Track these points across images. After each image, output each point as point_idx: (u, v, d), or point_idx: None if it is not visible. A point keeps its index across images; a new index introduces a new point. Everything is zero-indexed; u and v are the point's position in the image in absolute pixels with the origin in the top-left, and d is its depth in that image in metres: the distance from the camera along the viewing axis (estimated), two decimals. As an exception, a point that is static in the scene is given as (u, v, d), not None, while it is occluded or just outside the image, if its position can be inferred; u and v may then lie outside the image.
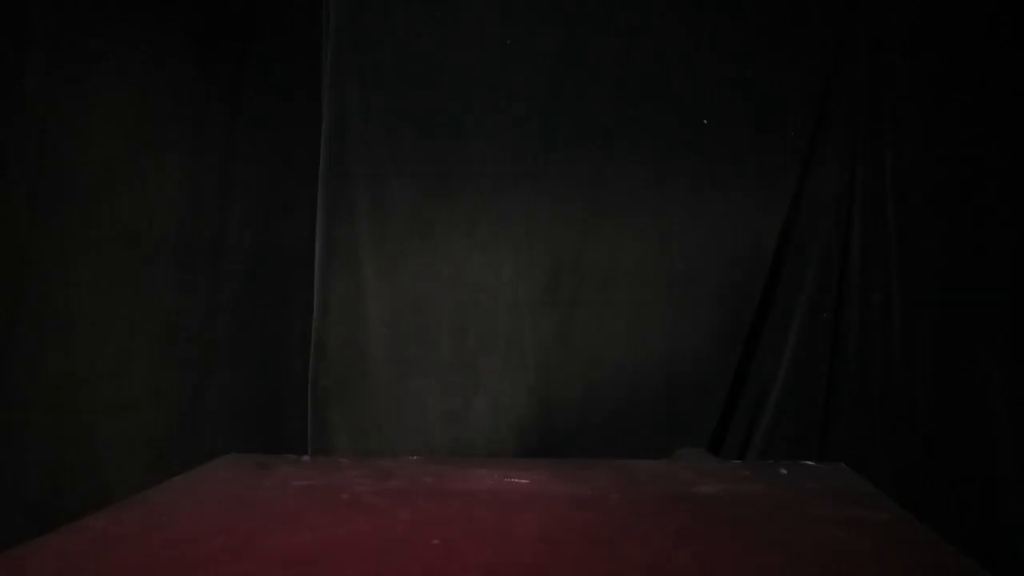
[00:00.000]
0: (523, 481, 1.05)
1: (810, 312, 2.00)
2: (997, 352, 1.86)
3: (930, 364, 1.92)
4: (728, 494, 1.00)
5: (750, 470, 1.15)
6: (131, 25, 2.01)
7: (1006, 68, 1.90)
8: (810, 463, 1.18)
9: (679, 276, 2.02)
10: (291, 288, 2.14)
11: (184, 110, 2.08)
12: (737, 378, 2.01)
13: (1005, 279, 1.87)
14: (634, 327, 2.03)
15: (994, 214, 1.92)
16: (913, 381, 1.93)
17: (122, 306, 1.99)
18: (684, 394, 1.98)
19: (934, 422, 1.91)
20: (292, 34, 2.17)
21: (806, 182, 2.03)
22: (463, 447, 2.01)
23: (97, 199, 1.97)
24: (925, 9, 1.98)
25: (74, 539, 0.82)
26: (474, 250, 2.07)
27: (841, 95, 2.03)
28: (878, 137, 2.01)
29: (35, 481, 1.87)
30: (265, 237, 2.14)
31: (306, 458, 1.26)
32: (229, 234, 2.12)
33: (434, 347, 2.07)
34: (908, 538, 0.84)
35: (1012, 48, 1.89)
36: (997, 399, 1.84)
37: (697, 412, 1.98)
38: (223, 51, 2.12)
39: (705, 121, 2.03)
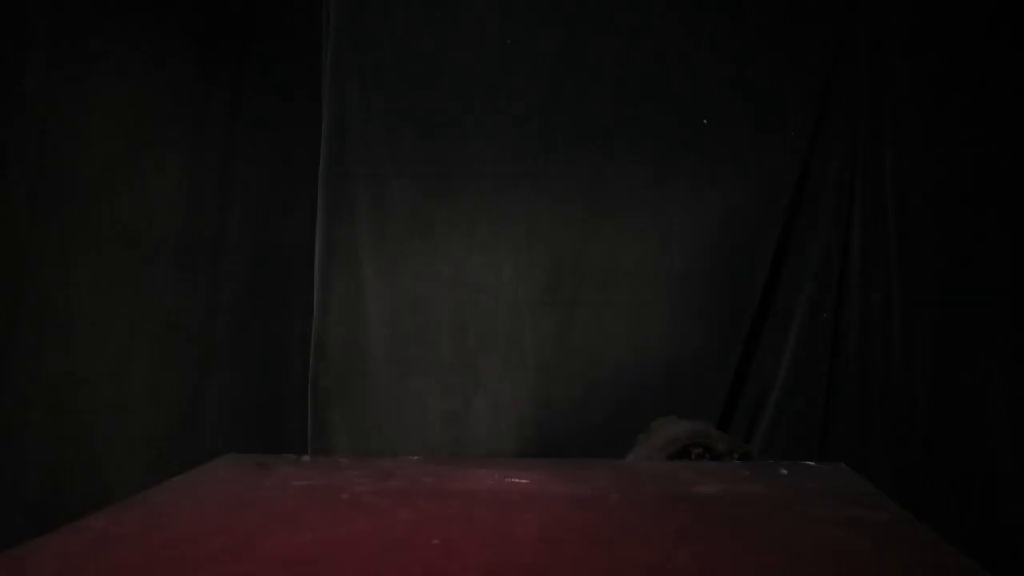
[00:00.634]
0: (523, 481, 1.05)
1: (810, 312, 2.00)
2: (997, 352, 1.86)
3: (930, 364, 1.92)
4: (728, 494, 1.00)
5: (750, 470, 1.15)
6: (131, 25, 2.01)
7: (1006, 68, 1.90)
8: (810, 463, 1.18)
9: (679, 276, 2.02)
10: (291, 288, 2.14)
11: (184, 110, 2.08)
12: (737, 378, 2.01)
13: (1005, 279, 1.87)
14: (634, 327, 2.03)
15: (994, 214, 1.92)
16: (913, 381, 1.93)
17: (122, 306, 1.99)
18: (684, 394, 1.98)
19: (934, 422, 1.91)
20: (292, 34, 2.17)
21: (806, 182, 2.03)
22: (463, 447, 2.01)
23: (97, 199, 1.97)
24: (925, 9, 1.98)
25: (74, 539, 0.82)
26: (474, 250, 2.08)
27: (841, 95, 2.03)
28: (878, 137, 2.01)
29: (35, 481, 1.87)
30: (265, 237, 2.14)
31: (306, 458, 1.26)
32: (229, 234, 2.12)
33: (434, 347, 2.07)
34: (908, 538, 0.84)
35: (1012, 48, 1.89)
36: (997, 399, 1.84)
37: (697, 412, 1.98)
38: (223, 51, 2.12)
39: (705, 121, 2.03)
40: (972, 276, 1.91)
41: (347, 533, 0.84)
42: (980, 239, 1.92)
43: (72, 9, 1.93)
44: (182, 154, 2.07)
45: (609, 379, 2.02)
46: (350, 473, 1.11)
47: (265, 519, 0.90)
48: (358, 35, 2.10)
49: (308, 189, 2.12)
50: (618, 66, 2.06)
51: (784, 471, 1.16)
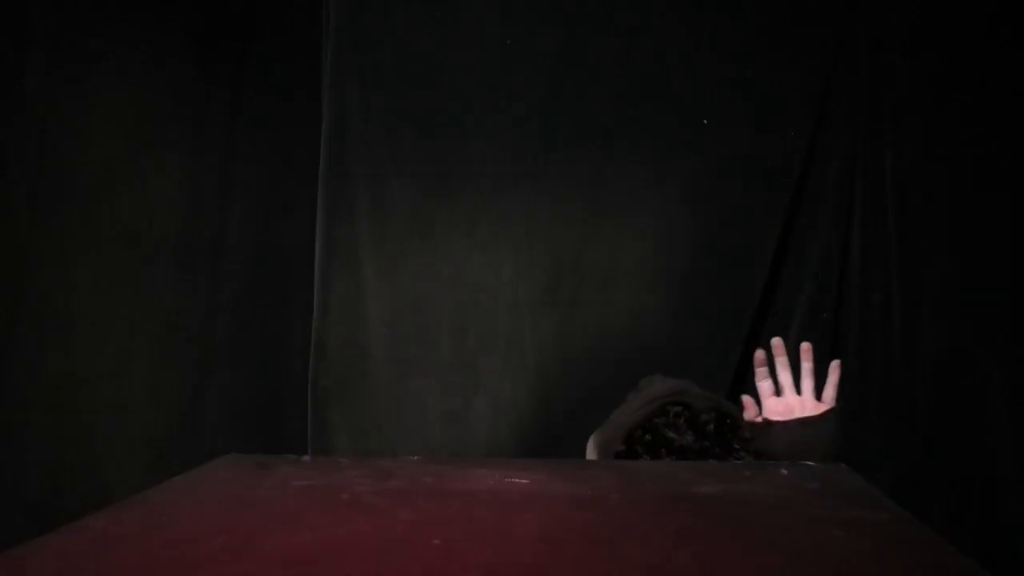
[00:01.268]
0: (523, 481, 1.05)
1: (810, 312, 2.00)
2: (997, 352, 1.86)
3: (930, 364, 1.92)
4: (728, 494, 1.00)
5: (750, 470, 1.15)
6: (131, 25, 2.02)
7: (1006, 68, 1.90)
8: (810, 463, 1.18)
9: (679, 276, 2.01)
10: (291, 288, 2.14)
11: (184, 110, 2.08)
12: (737, 378, 2.01)
13: (1005, 279, 1.87)
14: (634, 327, 2.03)
15: (994, 214, 1.92)
16: (913, 381, 1.93)
17: (122, 306, 1.99)
18: (684, 394, 1.98)
19: (934, 422, 1.91)
20: (292, 34, 2.17)
21: (806, 182, 2.03)
22: (463, 447, 2.01)
23: (97, 199, 1.97)
24: (925, 9, 1.98)
25: (74, 539, 0.82)
26: (474, 250, 2.07)
27: (841, 95, 2.03)
28: (878, 137, 2.01)
29: (35, 481, 1.87)
30: (265, 237, 2.14)
31: (306, 458, 1.26)
32: (229, 234, 2.12)
33: (434, 347, 2.06)
34: (908, 538, 0.84)
35: (1012, 48, 1.89)
36: (997, 399, 1.84)
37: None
38: (223, 51, 2.12)
39: (705, 121, 2.03)
40: (972, 276, 1.91)
41: (347, 533, 0.84)
42: (980, 239, 1.92)
43: (72, 9, 1.93)
44: (182, 154, 2.07)
45: (609, 379, 2.02)
46: (350, 473, 1.11)
47: (265, 519, 0.90)
48: (358, 35, 2.10)
49: (308, 189, 2.12)
50: (618, 66, 2.05)
51: (784, 471, 1.15)
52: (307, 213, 2.12)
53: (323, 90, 2.10)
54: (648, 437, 1.38)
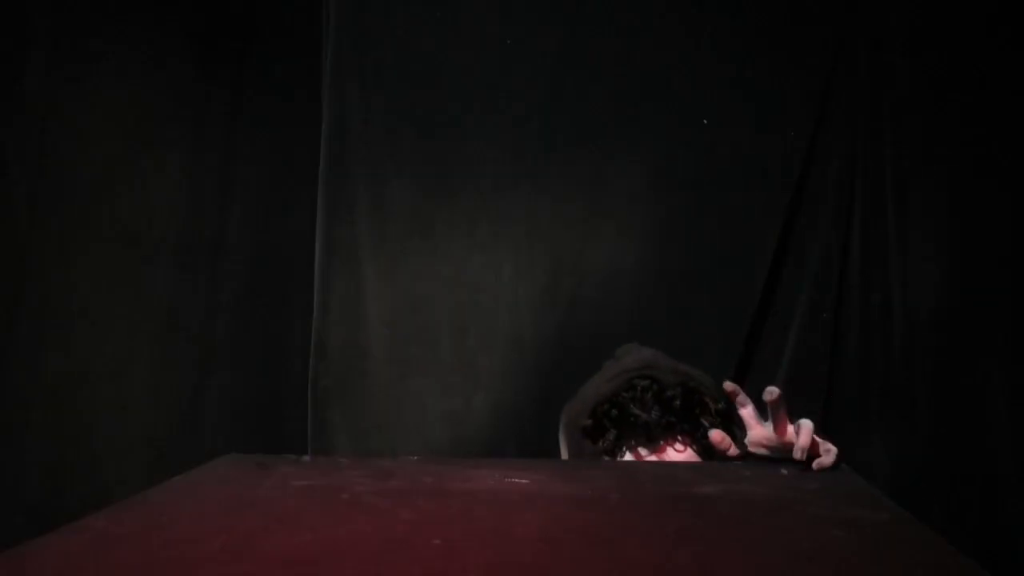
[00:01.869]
0: (523, 481, 1.05)
1: (810, 312, 2.00)
2: (997, 352, 1.87)
3: (930, 364, 1.92)
4: (728, 494, 1.00)
5: (750, 470, 1.15)
6: (131, 25, 2.01)
7: (1006, 68, 1.90)
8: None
9: (679, 276, 2.01)
10: (291, 288, 2.14)
11: (184, 110, 2.08)
12: (737, 378, 2.01)
13: (1005, 279, 1.87)
14: (634, 327, 2.03)
15: (994, 214, 1.92)
16: (913, 381, 1.93)
17: (122, 306, 1.99)
18: (684, 394, 1.97)
19: (934, 422, 1.91)
20: (292, 34, 2.17)
21: (806, 182, 2.03)
22: (463, 447, 2.01)
23: (97, 199, 1.97)
24: (925, 9, 1.98)
25: (74, 539, 0.82)
26: (474, 250, 2.07)
27: (841, 95, 2.03)
28: (878, 137, 2.01)
29: (35, 481, 1.87)
30: (265, 237, 2.14)
31: (306, 458, 1.26)
32: (229, 234, 2.12)
33: (434, 347, 2.06)
34: (908, 538, 0.84)
35: (1012, 48, 1.89)
36: (997, 399, 1.84)
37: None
38: (223, 51, 2.12)
39: (705, 121, 2.03)
40: (972, 276, 1.91)
41: (347, 533, 0.84)
42: (980, 239, 1.92)
43: (72, 9, 1.93)
44: (182, 154, 2.07)
45: (609, 379, 2.01)
46: (350, 473, 1.11)
47: (265, 519, 0.90)
48: (358, 35, 2.10)
49: (308, 189, 2.12)
50: (618, 66, 2.05)
51: (784, 471, 1.16)
52: (307, 213, 2.12)
53: (323, 90, 2.10)
54: (614, 412, 1.36)
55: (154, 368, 2.02)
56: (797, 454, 1.11)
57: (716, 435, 1.18)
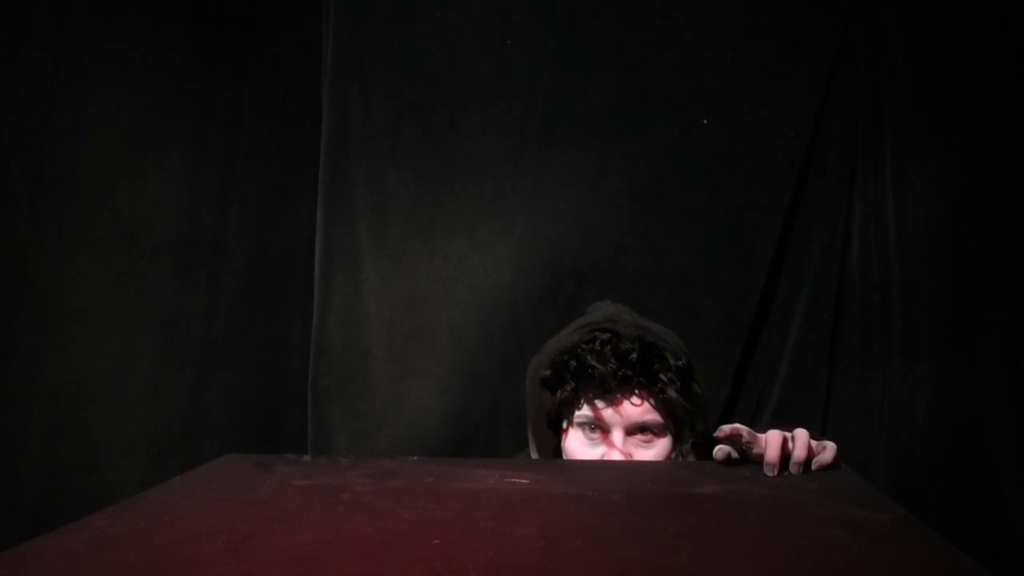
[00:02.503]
0: (523, 481, 1.05)
1: (810, 312, 2.00)
2: (997, 352, 1.86)
3: (930, 364, 1.92)
4: (728, 494, 1.00)
5: (750, 470, 1.15)
6: (131, 25, 2.02)
7: (1006, 68, 1.90)
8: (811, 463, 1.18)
9: (679, 276, 2.01)
10: (291, 288, 2.14)
11: (184, 110, 2.08)
12: (737, 378, 2.01)
13: (1005, 279, 1.87)
14: (634, 327, 2.02)
15: (994, 214, 1.92)
16: (913, 381, 1.93)
17: (122, 306, 1.99)
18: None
19: (934, 422, 1.91)
20: (292, 34, 2.17)
21: (806, 182, 2.03)
22: (463, 447, 2.01)
23: (97, 199, 1.97)
24: (925, 10, 1.98)
25: (74, 539, 0.82)
26: (474, 250, 2.07)
27: (841, 95, 2.03)
28: (878, 137, 2.01)
29: (35, 481, 1.87)
30: (265, 237, 2.15)
31: (306, 458, 1.26)
32: (229, 234, 2.12)
33: (434, 347, 2.06)
34: (908, 538, 0.84)
35: (1012, 49, 1.89)
36: (997, 399, 1.84)
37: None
38: (223, 51, 2.13)
39: (705, 121, 2.03)
40: (972, 275, 1.91)
41: (347, 533, 0.84)
42: (980, 239, 1.92)
43: (72, 9, 1.93)
44: (182, 154, 2.08)
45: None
46: (350, 473, 1.11)
47: (265, 519, 0.90)
48: (358, 35, 2.10)
49: (308, 189, 2.12)
50: (618, 66, 2.05)
51: (784, 471, 1.15)
52: (307, 213, 2.12)
53: (323, 90, 2.10)
54: (573, 364, 1.36)
55: (154, 368, 2.02)
56: (794, 469, 1.10)
57: (720, 454, 1.17)
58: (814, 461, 1.13)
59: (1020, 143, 1.88)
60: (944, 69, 1.95)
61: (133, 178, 2.01)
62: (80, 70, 1.94)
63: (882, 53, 2.01)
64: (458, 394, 2.05)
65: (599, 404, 1.35)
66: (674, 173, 2.04)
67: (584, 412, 1.36)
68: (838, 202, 2.01)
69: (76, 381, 1.92)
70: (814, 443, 1.14)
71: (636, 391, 1.34)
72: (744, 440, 1.14)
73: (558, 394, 1.39)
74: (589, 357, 1.35)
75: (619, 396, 1.34)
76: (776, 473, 1.09)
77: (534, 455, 1.50)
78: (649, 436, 1.35)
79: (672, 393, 1.34)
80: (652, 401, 1.34)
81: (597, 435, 1.36)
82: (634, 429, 1.35)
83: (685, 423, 1.37)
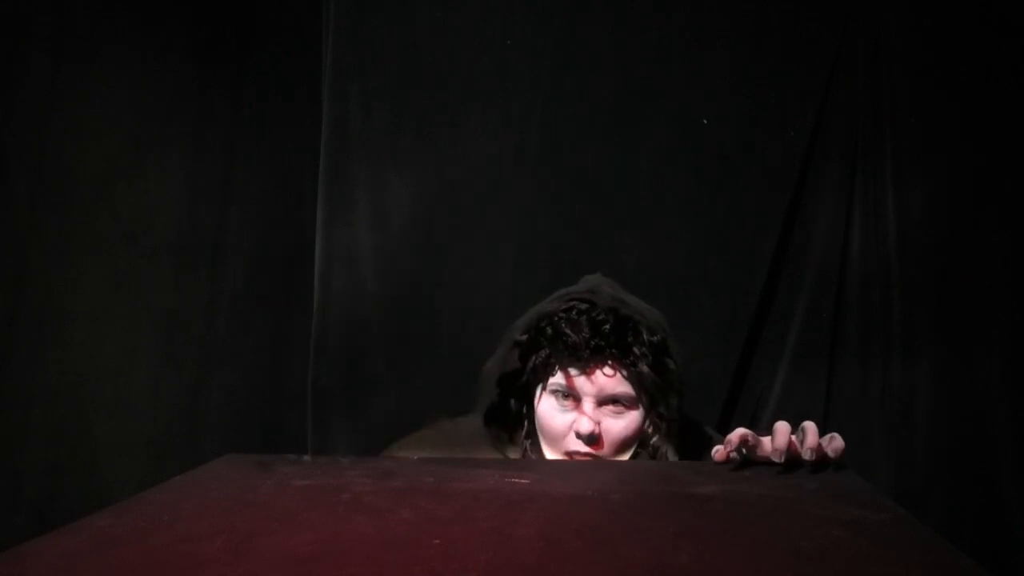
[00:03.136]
0: (524, 481, 1.05)
1: (810, 312, 2.00)
2: (997, 352, 1.87)
3: (930, 364, 1.92)
4: (728, 494, 1.00)
5: (750, 470, 1.15)
6: (131, 25, 2.02)
7: (1006, 68, 1.90)
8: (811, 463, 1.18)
9: (679, 276, 2.01)
10: (291, 288, 2.14)
11: (184, 110, 2.08)
12: (737, 378, 2.01)
13: (1005, 279, 1.88)
14: (634, 327, 2.02)
15: (994, 214, 1.92)
16: (913, 381, 1.93)
17: (122, 306, 1.99)
18: (684, 394, 1.98)
19: (934, 422, 1.91)
20: (292, 34, 2.17)
21: (806, 182, 2.03)
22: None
23: (97, 199, 1.97)
24: (925, 11, 1.98)
25: (74, 539, 0.82)
26: (474, 250, 2.07)
27: (841, 95, 2.03)
28: (878, 137, 2.01)
29: (35, 481, 1.87)
30: (265, 237, 2.15)
31: (306, 458, 1.26)
32: (229, 234, 2.12)
33: (434, 347, 2.06)
34: (908, 538, 0.84)
35: (1012, 49, 1.89)
36: (997, 399, 1.84)
37: (696, 412, 1.98)
38: (223, 51, 2.13)
39: (705, 121, 2.03)
40: (972, 275, 1.91)
41: (347, 533, 0.84)
42: (980, 239, 1.92)
43: (72, 9, 1.93)
44: (182, 154, 2.08)
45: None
46: (350, 473, 1.11)
47: (265, 519, 0.90)
48: (358, 35, 2.10)
49: (308, 189, 2.12)
50: (618, 66, 2.05)
51: (793, 465, 1.15)
52: (307, 213, 2.12)
53: (323, 90, 2.10)
54: (549, 330, 1.36)
55: (154, 368, 2.02)
56: (807, 455, 1.11)
57: (720, 456, 1.18)
58: (829, 449, 1.14)
59: (1019, 143, 1.88)
60: (944, 69, 1.95)
61: (133, 178, 2.01)
62: (80, 70, 1.94)
63: (882, 53, 2.01)
64: (458, 394, 2.04)
65: (572, 372, 1.35)
66: (674, 173, 2.04)
67: (557, 379, 1.37)
68: (838, 202, 2.01)
69: (76, 381, 1.92)
70: (823, 439, 1.15)
71: (608, 362, 1.34)
72: (750, 444, 1.15)
73: (532, 359, 1.39)
74: (564, 325, 1.35)
75: (592, 366, 1.34)
76: (783, 460, 1.10)
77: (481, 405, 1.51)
78: (620, 408, 1.35)
79: (644, 367, 1.34)
80: (624, 373, 1.34)
81: (569, 403, 1.36)
82: (606, 400, 1.35)
83: (658, 398, 1.37)
